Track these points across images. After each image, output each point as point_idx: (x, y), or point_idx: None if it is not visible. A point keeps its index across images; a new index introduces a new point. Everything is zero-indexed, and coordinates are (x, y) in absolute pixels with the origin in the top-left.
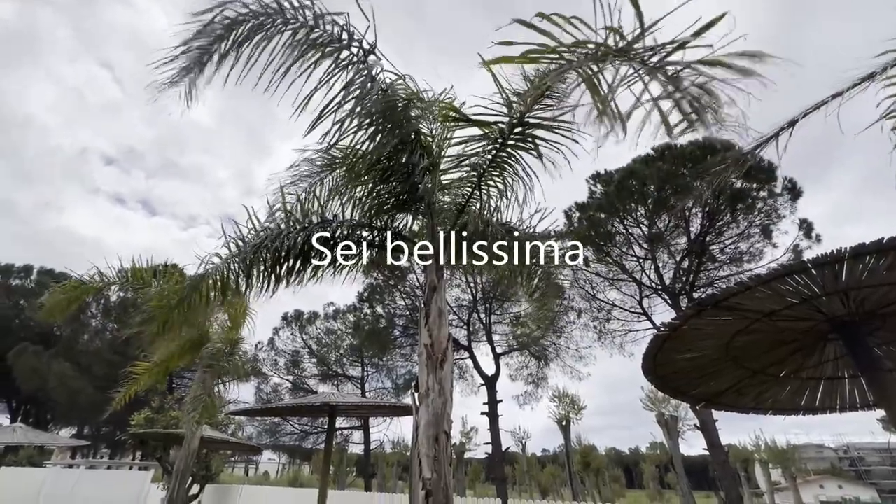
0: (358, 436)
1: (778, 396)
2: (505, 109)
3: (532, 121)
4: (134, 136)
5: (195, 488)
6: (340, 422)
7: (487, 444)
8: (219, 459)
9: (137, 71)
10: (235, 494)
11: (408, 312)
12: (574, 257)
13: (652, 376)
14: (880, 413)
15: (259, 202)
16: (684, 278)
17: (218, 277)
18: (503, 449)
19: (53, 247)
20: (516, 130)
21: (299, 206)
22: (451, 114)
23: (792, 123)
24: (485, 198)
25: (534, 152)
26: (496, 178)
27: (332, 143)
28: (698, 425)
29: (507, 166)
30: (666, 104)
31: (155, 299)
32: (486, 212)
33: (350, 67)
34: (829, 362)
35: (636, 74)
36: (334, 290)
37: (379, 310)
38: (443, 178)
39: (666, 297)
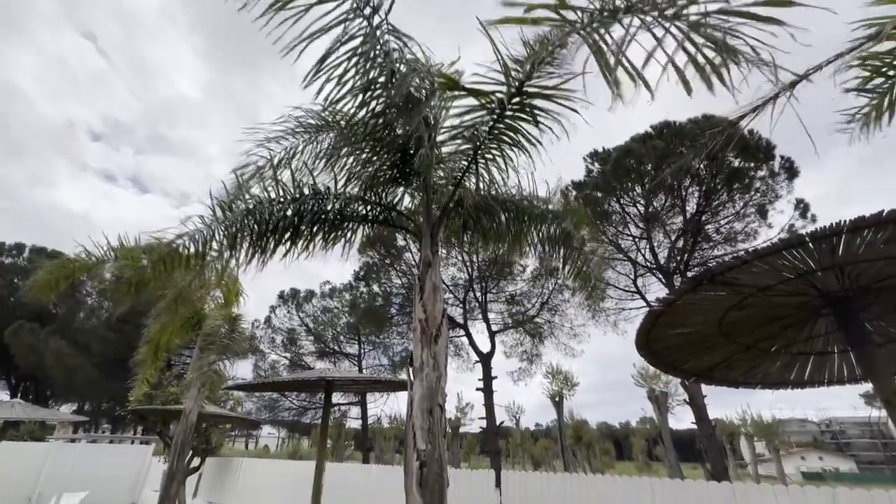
0: (355, 411)
1: (768, 370)
2: (503, 78)
3: (531, 90)
4: (120, 109)
5: (196, 461)
6: (338, 397)
7: (482, 418)
8: (218, 434)
9: (121, 42)
10: (236, 466)
11: (404, 291)
12: (569, 237)
13: (645, 351)
14: (863, 388)
15: (250, 171)
16: (679, 258)
17: (199, 240)
18: (497, 423)
19: (44, 223)
20: (514, 100)
21: (290, 176)
22: (448, 82)
23: (793, 85)
24: (482, 172)
25: (531, 122)
26: (493, 151)
27: (327, 101)
28: (687, 400)
29: (506, 138)
30: (679, 59)
31: (125, 258)
32: (482, 186)
33: (351, 23)
34: (819, 337)
35: (649, 28)
36: (330, 268)
37: (375, 288)
38: (438, 151)
39: (660, 276)
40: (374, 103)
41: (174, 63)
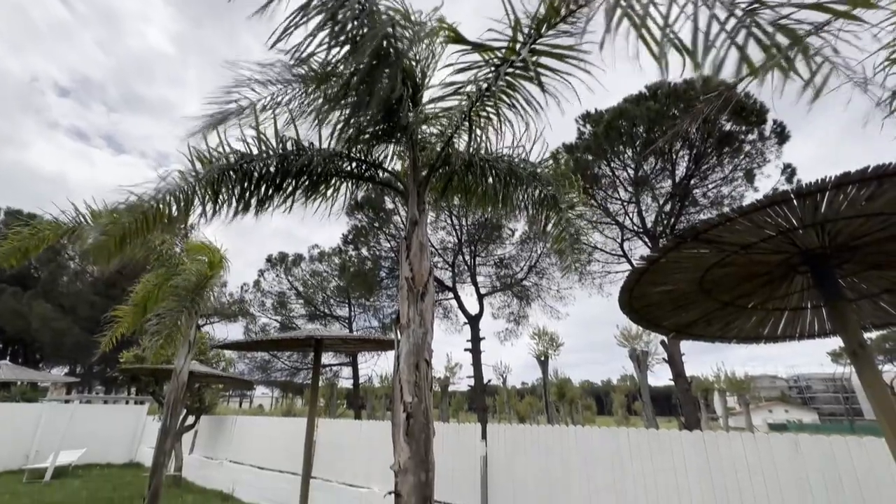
0: (347, 371)
1: (743, 326)
2: (510, 33)
3: (540, 48)
4: (89, 64)
5: (190, 419)
6: (330, 358)
7: (470, 377)
8: (212, 393)
9: None
10: (230, 424)
11: (393, 254)
12: (556, 201)
13: (627, 309)
14: (830, 346)
15: (232, 128)
16: (665, 222)
17: (179, 195)
18: (485, 382)
19: (17, 185)
20: (520, 58)
21: (274, 130)
22: (451, 35)
23: (794, 42)
24: (475, 130)
25: (535, 82)
26: (489, 109)
27: (301, 57)
28: (666, 359)
29: (504, 97)
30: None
31: (106, 216)
32: (473, 145)
33: None
34: (795, 294)
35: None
36: (318, 233)
37: (364, 252)
38: (428, 107)
39: (646, 239)
40: (355, 56)
41: (144, 13)
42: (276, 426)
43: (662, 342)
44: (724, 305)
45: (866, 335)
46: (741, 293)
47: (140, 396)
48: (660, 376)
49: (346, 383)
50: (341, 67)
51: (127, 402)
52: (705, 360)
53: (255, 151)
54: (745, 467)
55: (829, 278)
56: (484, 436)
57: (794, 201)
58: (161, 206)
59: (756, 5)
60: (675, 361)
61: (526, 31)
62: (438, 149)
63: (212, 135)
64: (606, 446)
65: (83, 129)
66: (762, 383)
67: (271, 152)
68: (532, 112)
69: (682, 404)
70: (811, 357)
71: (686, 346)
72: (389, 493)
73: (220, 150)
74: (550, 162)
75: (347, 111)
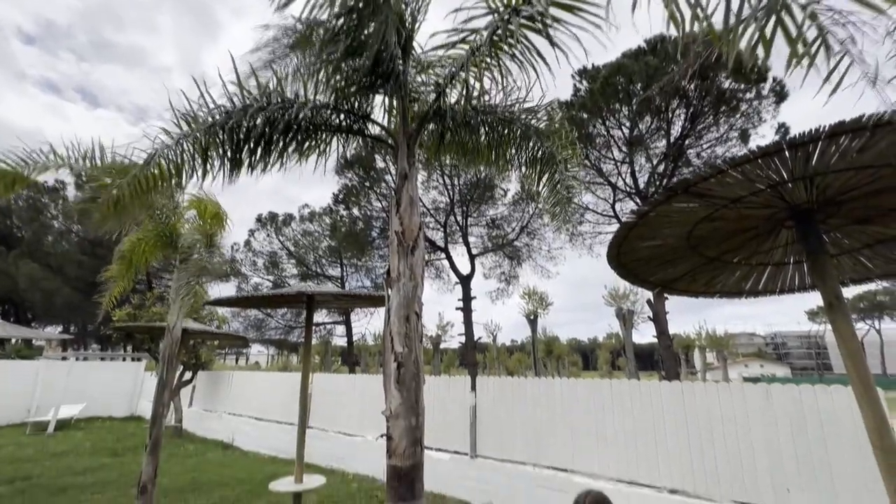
0: (341, 330)
1: (727, 281)
2: None
3: None
4: (53, 7)
5: (188, 375)
6: (323, 317)
7: (461, 335)
8: (207, 350)
9: None
10: (227, 379)
11: (384, 214)
12: (552, 159)
13: (615, 263)
14: (809, 306)
15: (213, 79)
16: (658, 183)
17: (170, 158)
18: (475, 339)
19: None
20: (536, 9)
21: (255, 81)
22: None
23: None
24: (472, 81)
25: (544, 34)
26: (488, 60)
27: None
28: (651, 317)
29: (505, 47)
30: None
31: (102, 180)
32: (467, 97)
33: None
34: (778, 248)
35: None
36: (309, 192)
37: (355, 212)
38: (425, 53)
39: (638, 200)
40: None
41: None
42: (272, 380)
43: (648, 301)
44: (710, 261)
45: (844, 291)
46: (727, 248)
47: (136, 353)
48: (644, 334)
49: (340, 341)
50: (325, 15)
51: (124, 359)
52: (688, 318)
53: (240, 106)
54: (719, 415)
55: (813, 233)
56: (473, 387)
57: (787, 152)
58: (153, 169)
59: None
60: (659, 319)
61: None
62: (430, 100)
63: (194, 92)
64: (590, 397)
65: (54, 81)
66: (740, 340)
67: (255, 105)
68: (536, 62)
69: (664, 360)
70: (789, 316)
71: (670, 305)
72: (381, 436)
73: (206, 107)
74: (545, 116)
75: (335, 57)
